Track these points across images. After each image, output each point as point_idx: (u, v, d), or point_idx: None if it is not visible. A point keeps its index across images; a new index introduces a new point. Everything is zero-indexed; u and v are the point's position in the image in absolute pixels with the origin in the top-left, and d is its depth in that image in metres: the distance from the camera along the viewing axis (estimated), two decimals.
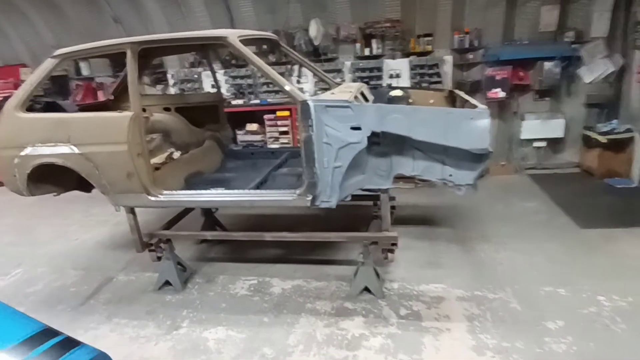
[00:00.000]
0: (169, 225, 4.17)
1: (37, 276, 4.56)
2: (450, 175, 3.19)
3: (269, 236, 3.81)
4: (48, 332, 1.74)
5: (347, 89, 3.56)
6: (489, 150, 2.94)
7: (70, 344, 1.69)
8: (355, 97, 3.27)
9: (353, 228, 4.16)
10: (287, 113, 6.67)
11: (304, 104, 3.04)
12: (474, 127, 2.89)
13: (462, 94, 3.99)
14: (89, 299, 4.02)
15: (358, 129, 3.04)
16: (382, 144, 3.22)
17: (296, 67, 6.99)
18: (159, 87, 7.86)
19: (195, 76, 7.41)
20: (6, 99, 3.73)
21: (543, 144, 6.84)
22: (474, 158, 3.07)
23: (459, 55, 6.79)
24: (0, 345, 1.61)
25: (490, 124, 2.91)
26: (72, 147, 3.45)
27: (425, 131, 2.99)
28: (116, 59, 7.56)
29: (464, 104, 3.76)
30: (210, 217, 4.95)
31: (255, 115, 6.98)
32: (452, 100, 4.29)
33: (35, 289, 4.30)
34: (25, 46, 8.28)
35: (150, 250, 3.96)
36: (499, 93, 6.35)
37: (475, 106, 3.18)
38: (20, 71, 7.53)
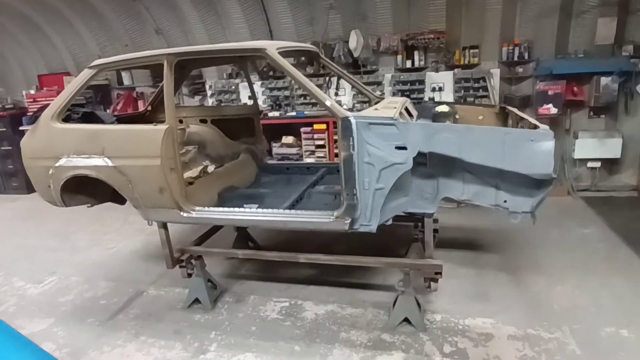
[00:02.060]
0: (201, 240, 4.04)
1: (70, 285, 4.53)
2: (505, 201, 2.90)
3: (302, 258, 3.60)
4: None
5: (392, 105, 3.33)
6: (553, 176, 2.63)
7: None
8: (401, 114, 3.03)
9: (391, 249, 3.91)
10: (324, 126, 6.49)
11: (345, 120, 2.83)
12: (536, 150, 2.60)
13: (516, 110, 3.67)
14: (117, 314, 3.93)
15: (403, 148, 2.80)
16: (429, 164, 2.97)
17: (334, 79, 6.83)
18: (197, 97, 7.88)
19: (233, 87, 7.36)
20: (44, 108, 3.71)
21: (597, 164, 6.35)
22: (534, 183, 2.77)
23: (508, 69, 6.43)
24: None
25: (554, 147, 2.60)
26: (106, 159, 3.37)
27: (479, 153, 2.72)
28: (156, 70, 7.69)
29: (519, 122, 3.46)
30: (242, 231, 4.80)
31: (291, 128, 6.84)
32: (504, 117, 3.98)
33: (67, 299, 4.26)
34: (71, 55, 8.51)
35: (181, 267, 3.84)
36: (550, 109, 5.94)
37: (535, 126, 2.88)
38: (64, 80, 7.71)
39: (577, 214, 5.59)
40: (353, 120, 2.81)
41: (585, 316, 3.39)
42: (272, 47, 3.13)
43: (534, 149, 2.62)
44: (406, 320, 3.37)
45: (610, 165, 6.43)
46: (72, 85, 3.62)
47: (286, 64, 3.05)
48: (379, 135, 2.82)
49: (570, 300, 3.63)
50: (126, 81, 8.33)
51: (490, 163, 2.73)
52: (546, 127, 2.73)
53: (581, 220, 5.36)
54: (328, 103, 2.93)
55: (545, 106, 5.98)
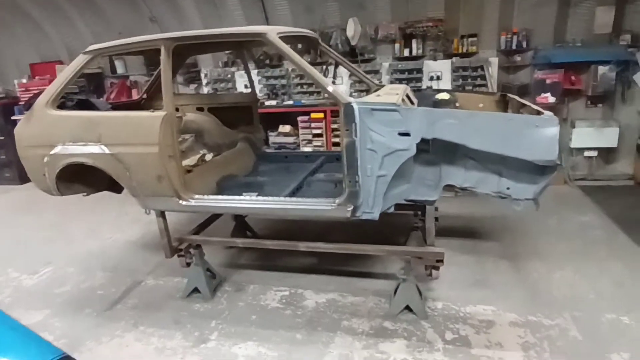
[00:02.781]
0: (199, 229, 4.00)
1: (66, 276, 4.47)
2: (508, 188, 2.88)
3: (303, 246, 3.57)
4: None
5: (394, 91, 3.29)
6: (557, 163, 2.62)
7: None
8: (403, 100, 3.00)
9: (390, 238, 3.89)
10: (321, 115, 6.44)
11: (348, 106, 2.79)
12: (541, 136, 2.58)
13: (517, 98, 3.65)
14: (115, 304, 3.89)
15: (406, 135, 2.77)
16: (431, 151, 2.94)
17: (331, 68, 6.75)
18: (192, 86, 7.78)
19: (229, 76, 7.28)
20: (37, 95, 3.62)
21: (594, 153, 6.37)
22: (537, 170, 2.75)
23: (506, 57, 6.41)
24: None
25: (558, 133, 2.58)
26: (103, 147, 3.31)
27: (482, 139, 2.69)
28: (150, 57, 7.56)
29: (520, 109, 3.43)
30: (241, 221, 4.77)
31: (288, 117, 6.78)
32: (504, 105, 3.96)
33: (63, 290, 4.21)
34: (63, 43, 8.35)
35: (179, 256, 3.80)
36: (548, 98, 5.93)
37: (538, 112, 2.86)
38: (56, 68, 7.56)
39: (574, 203, 5.61)
40: (356, 107, 2.77)
41: (586, 303, 3.41)
42: (272, 31, 3.07)
43: (538, 135, 2.60)
44: (407, 308, 3.37)
45: (606, 154, 6.45)
46: (67, 72, 3.54)
47: (287, 49, 2.98)
48: (381, 121, 2.78)
49: (570, 287, 3.64)
50: (119, 70, 8.20)
51: (494, 149, 2.70)
52: (550, 113, 2.71)
53: (578, 208, 5.38)
54: (330, 89, 2.88)
55: (543, 95, 5.97)
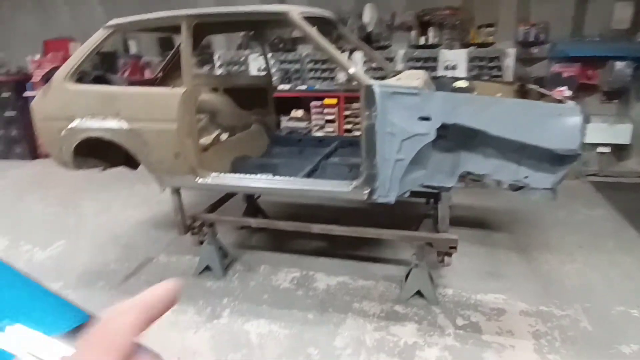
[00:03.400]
0: (212, 208, 4.02)
1: (78, 250, 4.51)
2: (526, 177, 2.87)
3: (316, 228, 3.59)
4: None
5: (414, 76, 3.27)
6: (578, 152, 2.61)
7: None
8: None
9: (401, 225, 3.89)
10: (334, 101, 6.41)
11: (369, 89, 2.78)
12: (563, 124, 2.57)
13: (537, 87, 3.63)
14: (129, 278, 3.93)
15: (427, 119, 2.76)
16: (450, 137, 2.93)
17: (346, 54, 6.70)
18: (206, 68, 7.76)
19: (242, 59, 7.25)
20: (54, 69, 3.62)
21: (607, 149, 6.33)
22: (556, 159, 2.74)
23: (523, 49, 6.35)
24: (50, 331, 1.46)
25: (581, 123, 2.57)
26: (121, 121, 3.32)
27: (503, 126, 2.68)
28: (163, 39, 7.54)
29: (540, 98, 3.41)
30: (252, 203, 4.79)
31: (301, 102, 6.77)
32: (523, 95, 3.93)
33: (76, 264, 4.24)
34: (76, 22, 8.32)
35: (192, 234, 3.83)
36: (564, 92, 5.87)
37: (559, 101, 2.84)
38: (70, 45, 7.55)
39: (585, 198, 5.58)
40: (377, 89, 2.76)
41: (596, 295, 3.42)
42: (295, 11, 3.05)
43: (561, 124, 2.59)
44: (418, 293, 3.39)
45: (619, 150, 6.40)
46: (86, 46, 3.53)
47: (310, 29, 2.97)
48: (402, 105, 2.77)
49: (581, 279, 3.65)
50: (133, 49, 8.18)
51: (515, 136, 2.69)
52: (573, 102, 2.70)
53: (589, 203, 5.36)
54: (352, 71, 2.88)
55: (559, 88, 5.91)
